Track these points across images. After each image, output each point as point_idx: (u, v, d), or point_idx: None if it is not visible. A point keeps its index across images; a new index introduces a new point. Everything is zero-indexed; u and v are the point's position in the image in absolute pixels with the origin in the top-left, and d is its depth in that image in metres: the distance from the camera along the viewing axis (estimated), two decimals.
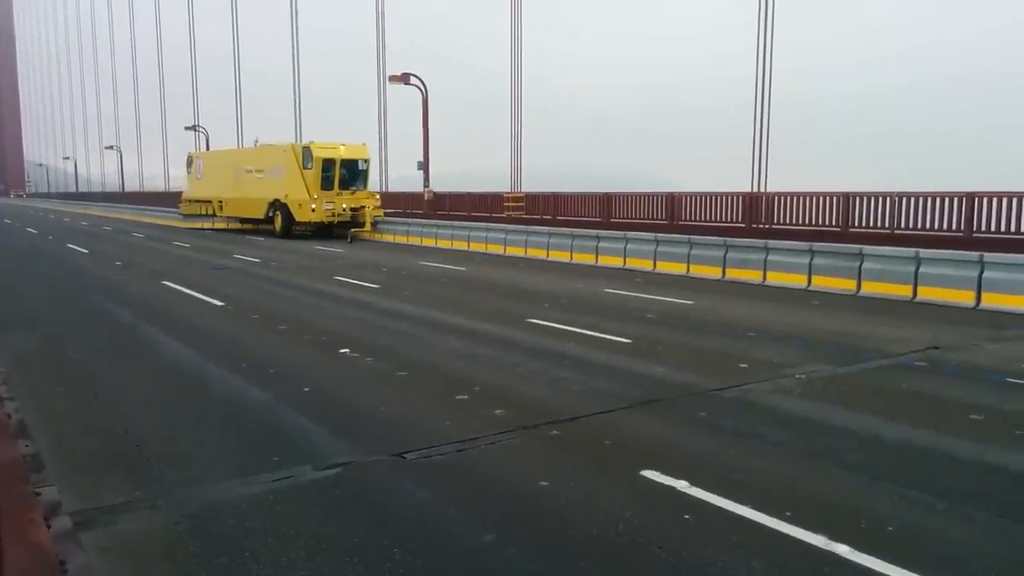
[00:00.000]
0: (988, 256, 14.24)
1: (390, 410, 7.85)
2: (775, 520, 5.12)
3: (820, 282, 16.62)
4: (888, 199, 18.35)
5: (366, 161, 34.92)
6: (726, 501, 5.43)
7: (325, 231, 34.57)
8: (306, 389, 8.66)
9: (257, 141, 39.47)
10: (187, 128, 61.89)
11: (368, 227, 32.93)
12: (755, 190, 26.08)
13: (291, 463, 6.28)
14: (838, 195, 19.32)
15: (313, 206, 32.76)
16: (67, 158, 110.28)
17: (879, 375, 9.39)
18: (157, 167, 79.16)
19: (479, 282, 18.82)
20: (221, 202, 39.86)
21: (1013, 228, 16.24)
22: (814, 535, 4.91)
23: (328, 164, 33.17)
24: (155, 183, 78.62)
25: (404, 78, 32.56)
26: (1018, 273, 13.66)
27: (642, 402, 8.03)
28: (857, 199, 18.90)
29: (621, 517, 5.23)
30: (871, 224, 18.53)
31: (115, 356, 10.64)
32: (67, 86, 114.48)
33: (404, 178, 41.59)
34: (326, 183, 33.15)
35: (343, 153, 33.62)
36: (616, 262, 21.56)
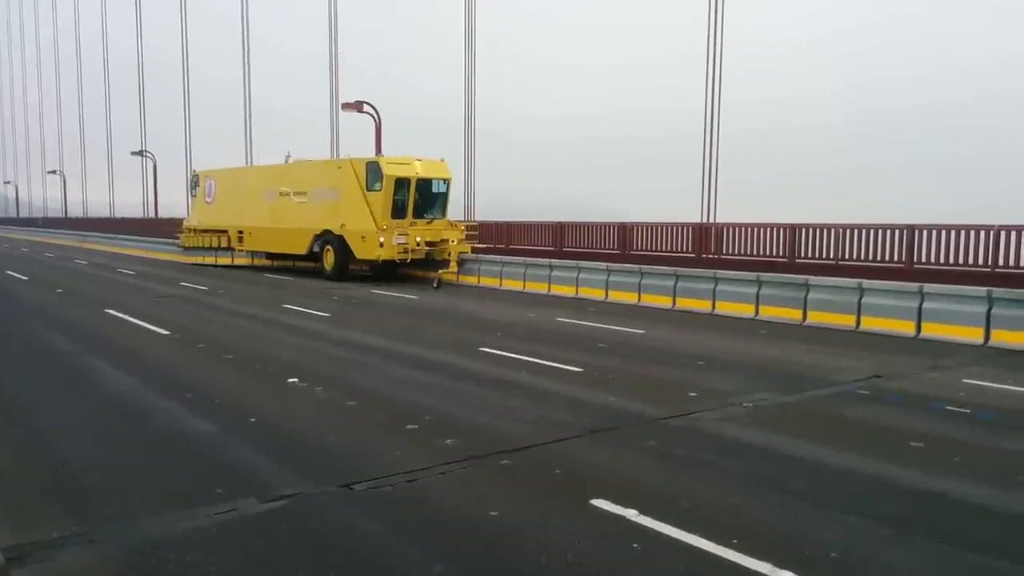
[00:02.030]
0: (928, 287, 14.70)
1: (338, 440, 7.74)
2: (722, 548, 5.16)
3: (767, 312, 16.94)
4: (833, 230, 18.86)
5: (446, 181, 26.77)
6: (675, 530, 5.46)
7: (382, 271, 26.90)
8: (253, 419, 8.49)
9: (289, 156, 30.35)
10: (134, 153, 60.76)
11: (454, 266, 25.05)
12: (705, 221, 26.56)
13: (235, 495, 6.13)
14: (785, 226, 19.78)
15: (381, 239, 24.45)
16: (7, 183, 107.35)
17: (824, 403, 9.58)
18: (102, 193, 77.44)
19: (430, 310, 18.75)
20: (242, 232, 31.36)
21: (952, 259, 16.80)
22: (760, 562, 4.95)
23: (401, 185, 25.17)
24: (100, 209, 76.83)
25: (357, 105, 32.44)
26: (956, 304, 14.11)
27: (593, 431, 8.05)
28: (803, 230, 19.38)
29: (571, 547, 5.22)
30: (817, 255, 19.00)
31: (54, 386, 10.31)
32: (8, 109, 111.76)
33: None
34: (398, 210, 25.14)
35: (419, 171, 25.62)
36: (569, 291, 21.70)
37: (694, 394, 9.77)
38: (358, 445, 7.60)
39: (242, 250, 32.45)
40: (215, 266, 33.64)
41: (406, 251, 24.93)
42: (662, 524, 5.55)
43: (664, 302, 19.09)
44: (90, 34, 76.33)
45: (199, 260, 34.89)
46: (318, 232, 27.05)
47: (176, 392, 9.75)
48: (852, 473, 6.90)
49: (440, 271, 24.89)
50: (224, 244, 32.85)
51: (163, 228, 49.97)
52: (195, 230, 34.48)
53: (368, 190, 25.32)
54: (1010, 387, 10.32)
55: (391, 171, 24.97)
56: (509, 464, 6.99)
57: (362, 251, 25.51)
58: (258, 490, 6.26)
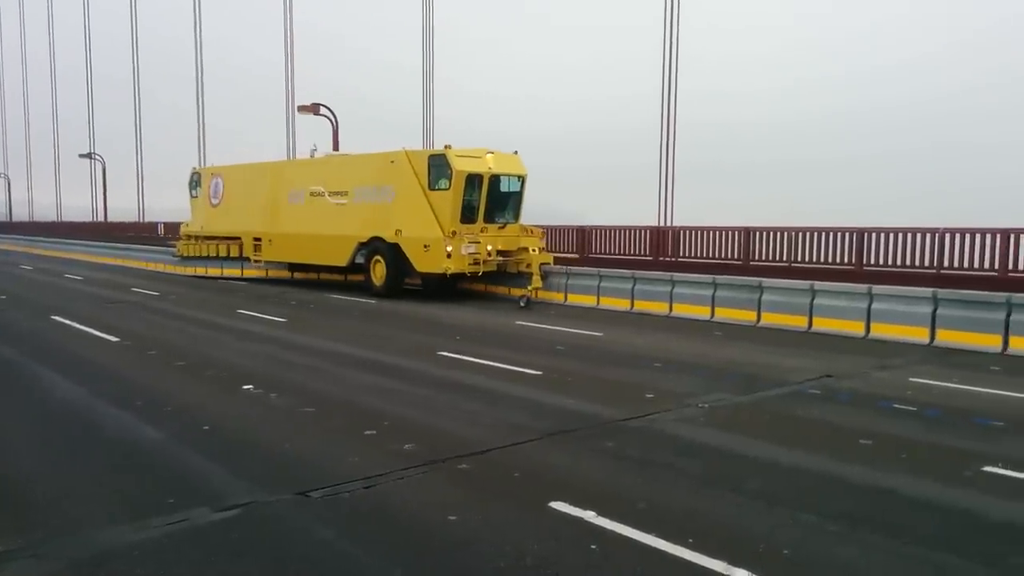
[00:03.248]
0: (876, 288, 15.05)
1: (294, 447, 7.65)
2: (678, 547, 5.22)
3: (723, 313, 17.18)
4: (785, 233, 19.22)
5: (521, 179, 22.15)
6: (632, 530, 5.51)
7: (436, 286, 22.46)
8: (206, 427, 8.35)
9: (315, 150, 26.00)
10: (81, 156, 59.32)
11: (538, 281, 20.74)
12: (662, 224, 26.85)
13: (188, 505, 6.02)
14: (739, 229, 20.11)
15: (449, 249, 20.07)
16: None
17: (777, 403, 9.75)
18: (49, 196, 75.41)
19: (387, 315, 18.64)
20: (259, 240, 26.59)
21: (899, 262, 17.25)
22: (715, 561, 5.02)
23: (472, 182, 20.73)
24: (46, 212, 74.76)
25: (314, 108, 32.14)
26: (903, 305, 14.48)
27: (551, 433, 8.08)
28: (757, 233, 19.71)
29: (529, 550, 5.23)
30: (770, 257, 19.34)
31: None
32: None
33: None
34: (467, 213, 20.81)
35: (492, 165, 21.19)
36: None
37: (651, 395, 9.86)
38: (314, 452, 7.51)
39: (259, 260, 27.05)
40: (219, 278, 28.17)
41: (477, 262, 20.50)
42: (619, 525, 5.60)
43: (622, 304, 19.25)
44: (36, 29, 74.45)
45: (200, 272, 29.18)
46: (363, 240, 22.41)
47: (126, 400, 9.54)
48: (804, 471, 7.03)
49: (529, 287, 20.44)
50: (235, 253, 27.90)
51: (112, 232, 48.82)
52: (197, 237, 29.66)
53: (431, 189, 20.87)
54: (954, 385, 10.62)
55: (462, 166, 20.47)
56: (468, 468, 6.99)
57: (424, 262, 20.91)
58: (211, 499, 6.16)
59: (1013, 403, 9.66)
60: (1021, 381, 10.88)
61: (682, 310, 17.97)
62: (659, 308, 18.47)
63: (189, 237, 30.40)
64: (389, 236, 21.66)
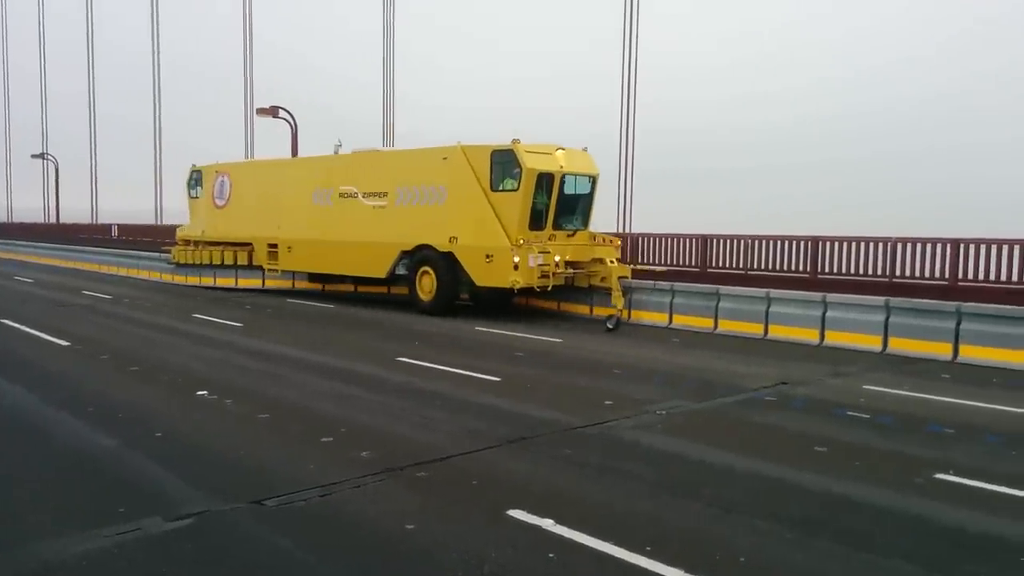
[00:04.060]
0: (830, 296, 15.32)
1: (250, 454, 7.52)
2: (635, 555, 5.24)
3: (680, 320, 17.34)
4: (742, 241, 19.47)
5: (593, 180, 19.36)
6: (589, 538, 5.51)
7: (487, 302, 19.87)
8: (159, 434, 8.17)
9: (340, 146, 22.80)
10: (34, 156, 57.82)
11: (619, 297, 17.63)
12: (621, 231, 27.04)
13: (139, 514, 5.88)
14: (696, 237, 20.31)
15: (516, 260, 17.26)
16: None
17: (733, 410, 9.86)
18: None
19: (344, 320, 18.48)
20: (276, 246, 23.33)
21: (853, 270, 17.59)
22: (672, 568, 5.05)
23: (542, 183, 17.89)
24: None
25: (273, 111, 31.75)
26: (856, 313, 14.76)
27: (510, 440, 8.07)
28: (714, 240, 19.93)
29: (487, 558, 5.20)
30: (727, 264, 19.57)
31: None
32: None
33: None
34: (536, 218, 17.98)
35: (563, 164, 18.35)
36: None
37: (609, 402, 9.91)
38: (270, 459, 7.40)
39: (274, 269, 23.76)
40: (230, 289, 24.67)
41: (546, 275, 17.62)
42: (577, 533, 5.60)
43: (582, 311, 19.31)
44: None
45: (205, 282, 25.70)
46: (408, 248, 19.46)
47: (77, 406, 9.30)
48: (759, 478, 7.11)
49: (619, 306, 17.51)
50: (243, 261, 24.79)
51: (65, 234, 47.65)
52: (198, 242, 26.26)
53: (494, 189, 18.01)
54: (906, 393, 10.85)
55: (533, 163, 17.63)
56: (426, 476, 6.94)
57: (485, 275, 18.01)
58: (163, 508, 6.02)
59: (963, 411, 9.89)
60: (970, 389, 11.16)
61: (641, 316, 18.09)
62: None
63: (187, 242, 26.76)
64: (441, 244, 18.69)
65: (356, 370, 11.95)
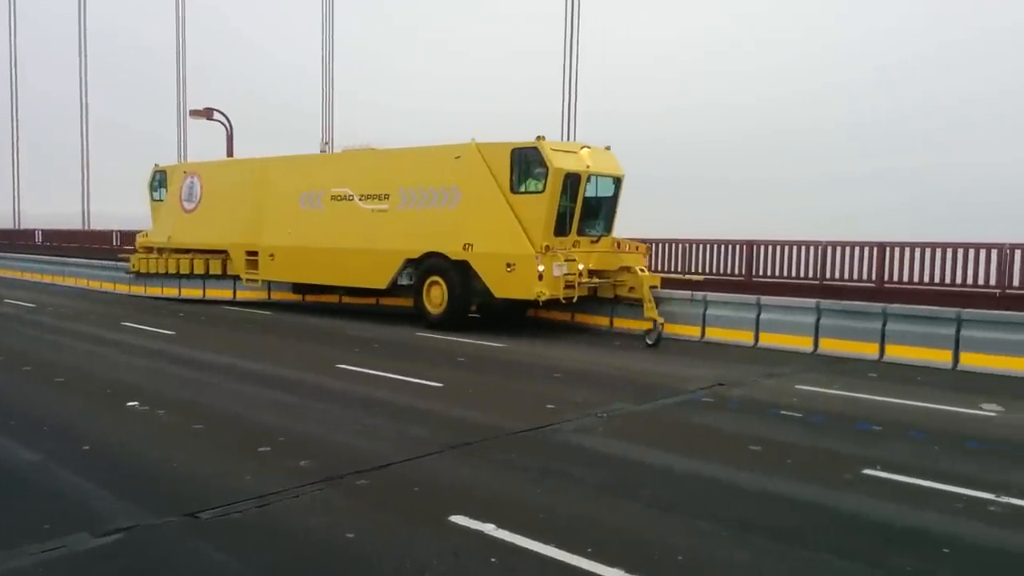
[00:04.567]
0: (764, 299, 15.71)
1: (183, 466, 7.32)
2: (577, 557, 5.27)
3: (621, 324, 17.52)
4: (681, 245, 19.83)
5: (618, 182, 17.89)
6: (531, 542, 5.52)
7: (494, 313, 18.50)
8: (86, 447, 7.89)
9: (328, 144, 21.33)
10: None
11: (652, 308, 16.04)
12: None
13: (65, 531, 5.66)
14: (637, 241, 20.59)
15: (541, 268, 15.74)
16: None
17: (672, 411, 10.02)
18: None
19: (282, 326, 18.16)
20: (256, 254, 21.22)
21: (786, 273, 18.10)
22: (612, 569, 5.10)
23: (569, 184, 16.41)
24: None
25: (207, 112, 31.05)
26: (789, 315, 15.16)
27: (452, 446, 8.04)
28: (654, 245, 20.24)
29: (428, 565, 5.17)
30: (667, 268, 19.88)
31: None
32: None
33: None
34: (562, 223, 16.52)
35: (589, 163, 16.91)
36: (408, 303, 21.49)
37: (551, 406, 9.95)
38: (205, 470, 7.22)
39: (254, 280, 21.58)
40: (196, 301, 22.51)
41: (571, 286, 16.11)
42: (519, 537, 5.61)
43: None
44: None
45: (168, 293, 23.45)
46: (414, 256, 17.73)
47: None
48: (697, 478, 7.24)
49: (658, 319, 15.82)
50: (217, 270, 22.78)
51: None
52: (162, 250, 23.98)
53: (515, 191, 16.47)
54: (836, 392, 11.18)
55: (560, 163, 16.10)
56: (366, 484, 6.86)
57: (506, 286, 16.38)
58: (91, 523, 5.81)
59: (889, 408, 10.24)
60: (896, 387, 11.56)
61: (583, 320, 18.23)
62: (561, 318, 18.67)
63: (149, 250, 24.42)
64: (453, 252, 16.98)
65: (294, 378, 11.75)
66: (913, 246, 16.73)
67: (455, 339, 15.99)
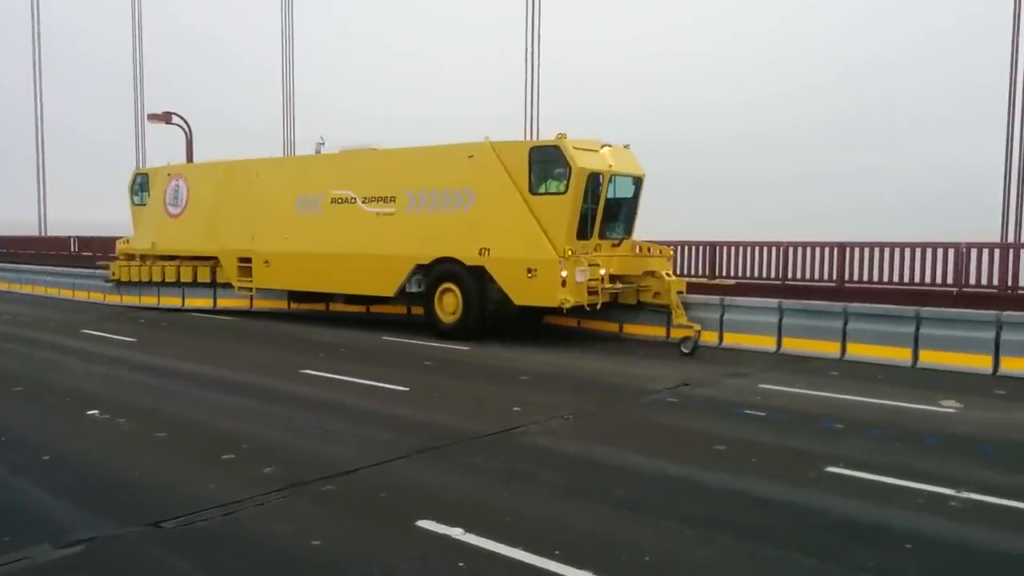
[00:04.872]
0: (727, 299, 15.87)
1: (145, 475, 7.20)
2: (545, 560, 5.28)
3: (587, 325, 17.59)
4: (646, 247, 19.95)
5: (638, 182, 17.17)
6: (499, 545, 5.52)
7: (505, 321, 16.90)
8: (46, 457, 7.72)
9: (322, 144, 19.86)
10: None
11: (682, 315, 15.29)
12: None
13: (26, 543, 5.53)
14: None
15: (564, 274, 14.99)
16: None
17: (638, 412, 10.09)
18: None
19: (246, 332, 17.94)
20: (249, 260, 20.10)
21: (750, 273, 18.34)
22: (580, 571, 5.11)
23: (591, 184, 15.64)
24: None
25: (165, 117, 30.48)
26: (753, 315, 15.34)
27: (419, 450, 8.00)
28: None
29: (396, 570, 5.14)
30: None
31: None
32: None
33: None
34: (584, 226, 15.78)
35: (611, 162, 16.18)
36: (399, 310, 21.43)
37: (518, 408, 9.96)
38: (168, 479, 7.10)
39: (246, 288, 20.40)
40: (177, 310, 21.62)
41: (595, 292, 15.37)
42: (486, 540, 5.60)
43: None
44: None
45: (148, 302, 22.24)
46: (425, 262, 16.82)
47: None
48: (663, 478, 7.29)
49: (695, 327, 14.83)
50: (205, 278, 21.49)
51: None
52: (145, 257, 22.73)
53: (534, 192, 15.66)
54: (799, 391, 11.34)
55: (584, 161, 15.29)
56: (332, 490, 6.80)
57: (526, 293, 15.56)
58: (52, 535, 5.69)
59: (851, 406, 10.41)
60: (858, 385, 11.76)
61: (548, 321, 18.27)
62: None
63: (131, 257, 23.18)
64: (468, 257, 16.14)
65: (258, 384, 11.61)
66: (872, 246, 17.06)
67: (422, 343, 15.93)
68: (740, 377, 12.44)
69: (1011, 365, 12.45)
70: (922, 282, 16.34)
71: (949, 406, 10.36)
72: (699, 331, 14.81)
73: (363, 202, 17.99)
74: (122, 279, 22.90)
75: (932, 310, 13.66)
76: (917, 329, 13.39)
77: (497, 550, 5.45)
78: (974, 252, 16.12)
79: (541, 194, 15.66)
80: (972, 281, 16.05)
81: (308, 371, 12.56)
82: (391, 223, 17.47)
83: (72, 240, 37.01)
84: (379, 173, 18.07)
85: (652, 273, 16.08)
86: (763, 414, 9.86)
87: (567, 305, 15.04)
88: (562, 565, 5.20)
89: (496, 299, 16.20)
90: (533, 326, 17.74)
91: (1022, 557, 5.55)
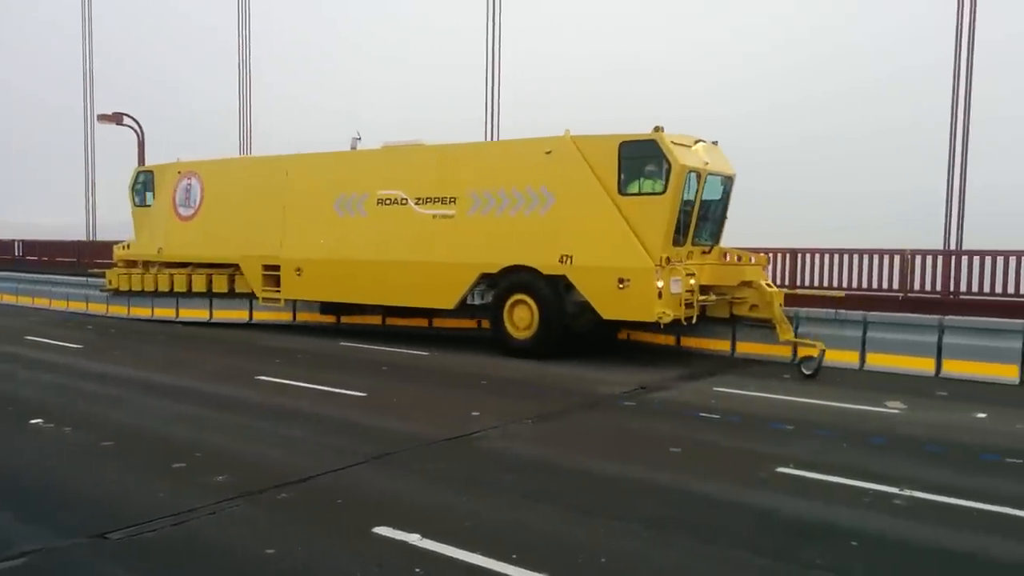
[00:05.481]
0: None
1: (92, 485, 7.04)
2: (502, 564, 5.29)
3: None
4: None
5: (729, 182, 15.45)
6: (456, 550, 5.52)
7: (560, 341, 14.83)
8: None
9: (359, 139, 17.94)
10: None
11: (789, 330, 13.96)
12: None
13: None
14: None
15: (660, 284, 13.41)
16: None
17: (596, 416, 10.17)
18: None
19: (201, 338, 17.63)
20: (276, 268, 17.96)
21: None
22: (537, 574, 5.14)
23: (687, 184, 14.02)
24: None
25: (116, 118, 29.85)
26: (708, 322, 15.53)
27: (376, 456, 7.95)
28: None
29: None
30: None
31: None
32: None
33: (116, 226, 37.44)
34: (680, 230, 14.25)
35: (707, 160, 14.52)
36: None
37: (476, 413, 9.96)
38: (115, 489, 6.95)
39: (273, 299, 18.19)
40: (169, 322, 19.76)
41: (689, 304, 13.78)
42: (444, 545, 5.59)
43: (449, 324, 19.26)
44: None
45: (160, 314, 20.18)
46: (492, 270, 15.12)
47: None
48: (620, 480, 7.36)
49: (818, 345, 13.21)
50: (221, 288, 19.31)
51: None
52: (149, 263, 20.55)
53: (623, 193, 14.01)
54: (752, 393, 11.54)
55: (683, 158, 13.70)
56: (287, 497, 6.72)
57: (617, 306, 13.91)
58: None
59: (801, 407, 10.63)
60: (808, 387, 12.01)
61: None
62: (486, 326, 18.65)
63: (132, 263, 21.00)
64: (546, 265, 14.43)
65: (211, 391, 11.42)
66: (822, 252, 17.44)
67: (380, 348, 15.83)
68: (696, 380, 12.61)
69: (953, 367, 12.84)
70: (869, 287, 16.76)
71: (894, 407, 10.64)
72: (823, 350, 13.19)
73: (416, 203, 16.11)
74: (120, 288, 20.80)
75: (879, 315, 14.02)
76: (864, 333, 13.72)
77: (455, 555, 5.45)
78: (919, 259, 16.59)
79: (632, 194, 13.97)
80: (917, 287, 16.52)
81: (264, 377, 12.40)
82: (451, 227, 15.68)
83: (16, 244, 35.98)
84: (435, 171, 16.11)
85: (749, 283, 14.53)
86: (717, 417, 10.01)
87: (665, 320, 13.39)
88: (519, 568, 5.21)
89: (575, 312, 14.74)
90: (606, 340, 16.09)
91: (962, 554, 5.73)
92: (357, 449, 8.19)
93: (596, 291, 14.05)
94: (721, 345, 15.30)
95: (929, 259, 16.61)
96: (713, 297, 14.45)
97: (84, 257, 31.14)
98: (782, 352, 14.21)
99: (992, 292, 15.80)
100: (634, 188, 14.00)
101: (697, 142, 14.50)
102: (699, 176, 14.16)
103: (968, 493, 6.91)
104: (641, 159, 13.91)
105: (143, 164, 26.75)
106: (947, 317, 13.39)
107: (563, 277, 14.38)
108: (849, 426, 9.57)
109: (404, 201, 16.24)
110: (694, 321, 13.95)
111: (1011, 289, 15.55)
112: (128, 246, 21.54)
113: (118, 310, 21.11)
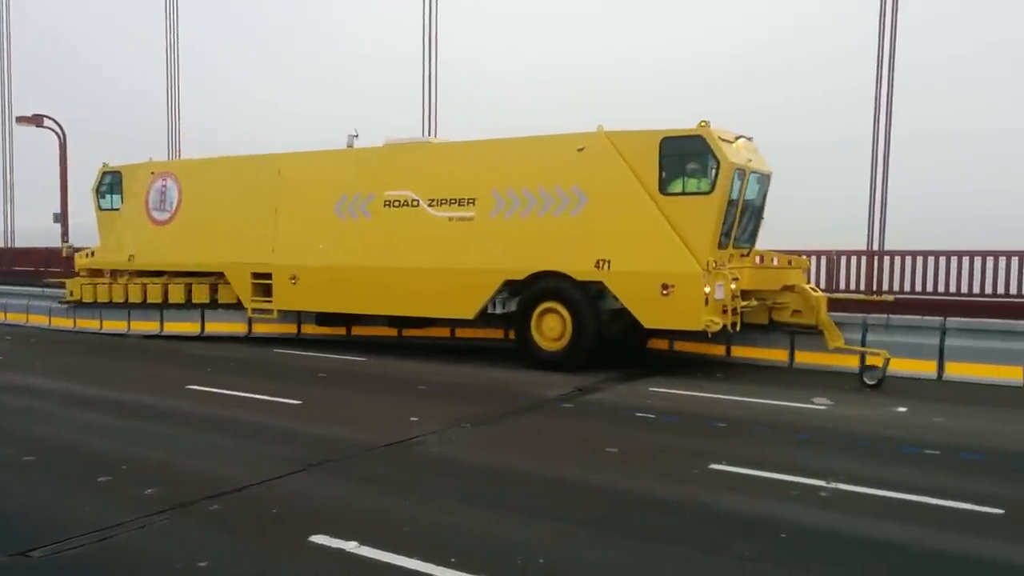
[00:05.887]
0: None
1: (11, 502, 6.75)
2: (442, 568, 5.27)
3: (485, 334, 17.62)
4: None
5: (766, 180, 14.39)
6: (395, 556, 5.47)
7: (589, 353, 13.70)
8: None
9: (356, 136, 16.51)
10: None
11: (838, 336, 13.28)
12: None
13: None
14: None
15: (707, 290, 12.43)
16: None
17: (534, 418, 10.22)
18: None
19: (127, 347, 17.09)
20: (267, 276, 16.50)
21: None
22: None
23: (734, 182, 12.97)
24: None
25: (36, 120, 28.76)
26: None
27: (312, 464, 7.83)
28: None
29: None
30: None
31: None
32: None
33: (35, 230, 36.09)
34: (726, 232, 13.24)
35: (750, 157, 13.59)
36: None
37: (415, 419, 9.90)
38: (36, 505, 6.68)
39: (265, 310, 16.69)
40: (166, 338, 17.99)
41: (735, 311, 12.71)
42: (382, 552, 5.54)
43: (391, 332, 19.00)
44: None
45: (120, 327, 18.67)
46: (518, 277, 13.94)
47: None
48: (558, 482, 7.40)
49: (883, 353, 12.58)
50: (202, 298, 17.88)
51: None
52: (117, 272, 19.12)
53: (664, 192, 12.96)
54: (686, 392, 11.75)
55: (731, 155, 12.75)
56: (220, 509, 6.56)
57: (660, 314, 12.90)
58: None
59: (733, 405, 10.88)
60: (740, 385, 12.28)
61: (448, 332, 18.23)
62: (429, 333, 18.58)
63: (96, 272, 19.41)
64: (580, 271, 13.36)
65: (138, 401, 11.09)
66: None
67: (316, 354, 15.59)
68: (631, 381, 12.77)
69: (876, 363, 13.28)
70: None
71: (820, 403, 10.98)
72: (888, 358, 12.49)
73: (429, 205, 14.79)
74: (84, 299, 19.04)
75: None
76: (793, 333, 14.10)
77: (393, 561, 5.40)
78: (844, 259, 17.18)
79: (675, 194, 12.93)
80: (842, 286, 17.10)
81: (195, 387, 12.09)
82: (469, 230, 14.42)
83: None
84: (450, 170, 14.88)
85: (791, 287, 13.71)
86: (653, 416, 10.17)
87: (714, 328, 12.42)
88: (458, 572, 5.20)
89: (609, 321, 13.74)
90: (637, 350, 15.19)
91: (885, 542, 5.94)
92: (293, 457, 8.06)
93: (636, 298, 13.04)
94: (779, 355, 14.23)
95: (854, 259, 17.26)
96: (754, 302, 13.58)
97: (1, 265, 29.87)
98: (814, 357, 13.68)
99: (912, 291, 16.48)
100: (677, 187, 12.96)
101: (738, 138, 13.50)
102: (744, 174, 13.20)
103: (891, 484, 7.18)
104: (685, 156, 12.93)
105: (64, 167, 25.80)
106: (871, 316, 13.86)
107: (598, 283, 13.40)
108: (778, 422, 9.83)
109: (415, 203, 14.95)
110: (738, 328, 12.95)
111: (930, 287, 16.24)
112: (92, 253, 19.72)
113: (137, 325, 18.64)
